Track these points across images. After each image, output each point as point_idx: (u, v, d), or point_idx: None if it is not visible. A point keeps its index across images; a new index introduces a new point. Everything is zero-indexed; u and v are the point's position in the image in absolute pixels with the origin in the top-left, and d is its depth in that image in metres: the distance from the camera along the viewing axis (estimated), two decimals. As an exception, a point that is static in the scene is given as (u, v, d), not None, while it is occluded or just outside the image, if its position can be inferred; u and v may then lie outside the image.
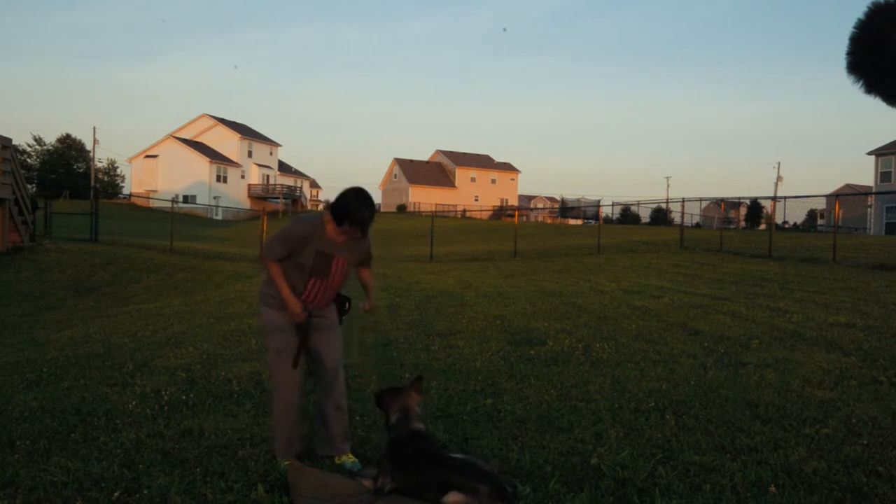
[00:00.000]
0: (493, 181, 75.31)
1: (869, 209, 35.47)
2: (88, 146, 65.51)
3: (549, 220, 57.60)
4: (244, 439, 3.77)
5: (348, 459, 3.49)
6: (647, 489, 3.03)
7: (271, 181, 66.49)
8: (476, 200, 71.63)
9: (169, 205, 26.25)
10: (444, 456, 3.00)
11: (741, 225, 43.32)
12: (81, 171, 66.90)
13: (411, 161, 74.88)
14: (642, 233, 28.53)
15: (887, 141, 34.17)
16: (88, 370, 5.75)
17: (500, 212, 61.50)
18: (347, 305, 3.67)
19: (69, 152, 67.67)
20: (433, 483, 2.86)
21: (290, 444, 3.49)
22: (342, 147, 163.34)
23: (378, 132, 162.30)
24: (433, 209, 57.46)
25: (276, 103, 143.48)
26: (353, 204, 3.30)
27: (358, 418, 4.14)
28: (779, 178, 63.00)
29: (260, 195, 62.70)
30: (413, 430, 3.10)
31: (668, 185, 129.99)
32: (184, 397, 4.63)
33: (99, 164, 65.40)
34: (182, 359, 6.03)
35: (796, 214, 31.58)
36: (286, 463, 3.37)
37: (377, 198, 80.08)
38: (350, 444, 3.57)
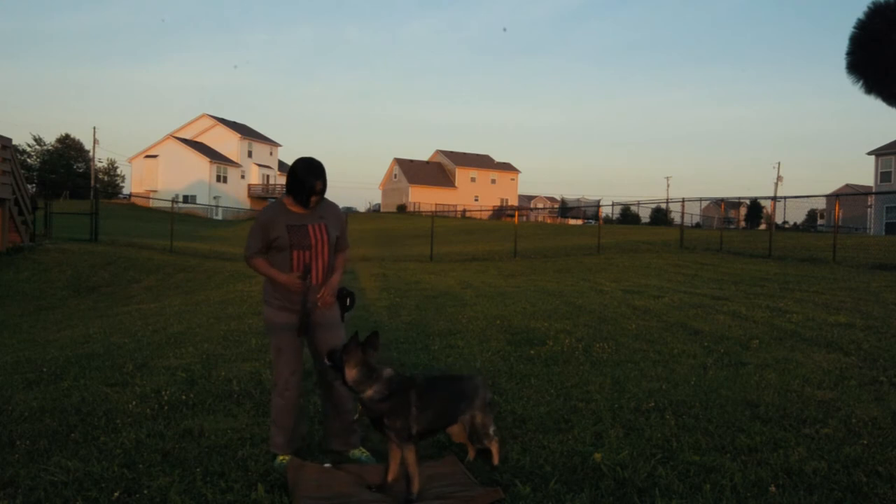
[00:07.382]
0: (493, 181, 75.28)
1: (869, 209, 35.48)
2: (88, 146, 65.68)
3: (549, 220, 57.57)
4: (244, 439, 3.77)
5: (361, 453, 3.52)
6: (647, 489, 3.03)
7: (271, 181, 66.49)
8: (476, 200, 71.61)
9: (169, 205, 26.28)
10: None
11: (741, 225, 43.31)
12: (81, 171, 66.89)
13: (411, 161, 74.84)
14: (642, 233, 28.53)
15: (887, 141, 34.18)
16: (88, 370, 5.75)
17: (500, 212, 61.49)
18: (349, 301, 3.64)
19: (69, 152, 67.65)
20: None
21: (288, 443, 3.50)
22: (342, 147, 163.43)
23: (378, 132, 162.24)
24: (433, 209, 57.53)
25: (276, 103, 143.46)
26: (301, 174, 3.37)
27: (356, 417, 4.14)
28: (779, 178, 63.17)
29: (260, 195, 62.72)
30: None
31: (668, 185, 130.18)
32: (184, 397, 4.64)
33: (99, 164, 65.53)
34: (182, 359, 6.03)
35: (796, 214, 31.63)
36: (284, 459, 3.37)
37: (377, 198, 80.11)
38: (359, 436, 3.60)
